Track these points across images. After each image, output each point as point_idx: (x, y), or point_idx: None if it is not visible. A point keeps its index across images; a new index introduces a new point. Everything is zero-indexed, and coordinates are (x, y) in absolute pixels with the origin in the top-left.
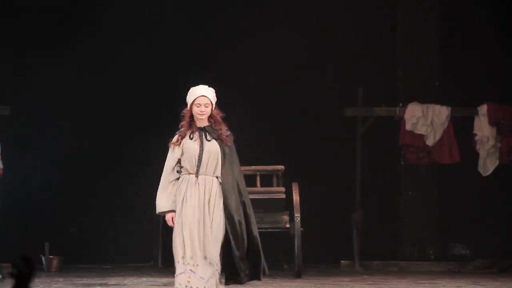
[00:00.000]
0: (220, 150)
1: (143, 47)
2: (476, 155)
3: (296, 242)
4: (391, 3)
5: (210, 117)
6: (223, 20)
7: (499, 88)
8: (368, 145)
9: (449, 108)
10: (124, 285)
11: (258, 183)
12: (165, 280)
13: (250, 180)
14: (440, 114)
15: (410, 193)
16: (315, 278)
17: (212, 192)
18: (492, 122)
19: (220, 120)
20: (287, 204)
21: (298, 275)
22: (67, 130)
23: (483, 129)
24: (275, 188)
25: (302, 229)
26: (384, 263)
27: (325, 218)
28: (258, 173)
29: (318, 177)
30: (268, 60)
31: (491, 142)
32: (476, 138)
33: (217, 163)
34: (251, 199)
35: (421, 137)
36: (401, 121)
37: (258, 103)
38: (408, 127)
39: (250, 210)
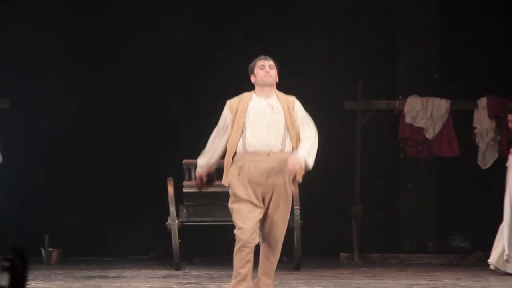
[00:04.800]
0: None
1: (147, 38)
2: (476, 148)
3: (295, 235)
4: None
5: None
6: (222, 17)
7: (499, 81)
8: (368, 138)
9: (449, 101)
10: (124, 277)
11: None
12: (165, 272)
13: None
14: (440, 107)
15: (409, 186)
16: (315, 270)
17: None
18: (492, 115)
19: None
20: None
21: (297, 267)
22: (67, 123)
23: (482, 122)
24: None
25: (301, 221)
26: (383, 256)
27: (324, 211)
28: None
29: (317, 170)
30: (266, 53)
31: (491, 135)
32: (476, 131)
33: None
34: None
35: (421, 130)
36: (400, 114)
37: None
38: (408, 120)
39: None
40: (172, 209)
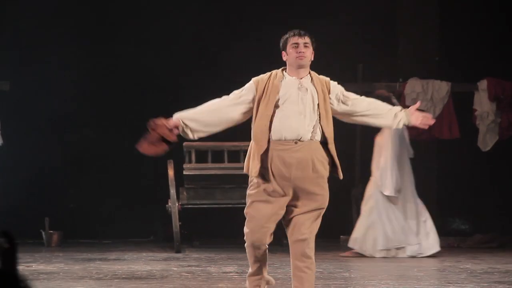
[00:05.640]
0: None
1: (149, 21)
2: (476, 131)
3: None
4: None
5: None
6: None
7: (499, 63)
8: None
9: (449, 84)
10: (124, 260)
11: None
12: (165, 255)
13: None
14: (440, 89)
15: None
16: (314, 253)
17: None
18: (492, 97)
19: None
20: None
21: None
22: (67, 106)
23: (483, 104)
24: None
25: None
26: None
27: None
28: None
29: None
30: (267, 37)
31: (491, 118)
32: (476, 113)
33: None
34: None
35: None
36: (401, 96)
37: None
38: (408, 102)
39: None
40: (173, 191)
